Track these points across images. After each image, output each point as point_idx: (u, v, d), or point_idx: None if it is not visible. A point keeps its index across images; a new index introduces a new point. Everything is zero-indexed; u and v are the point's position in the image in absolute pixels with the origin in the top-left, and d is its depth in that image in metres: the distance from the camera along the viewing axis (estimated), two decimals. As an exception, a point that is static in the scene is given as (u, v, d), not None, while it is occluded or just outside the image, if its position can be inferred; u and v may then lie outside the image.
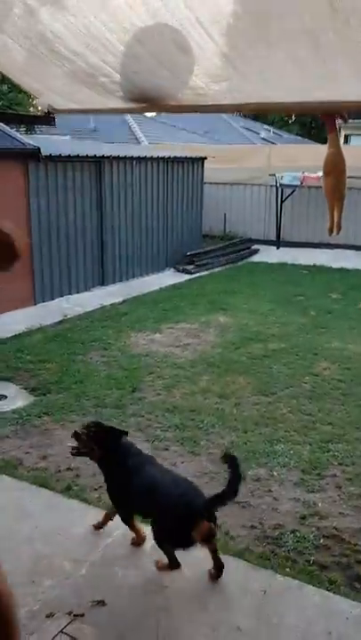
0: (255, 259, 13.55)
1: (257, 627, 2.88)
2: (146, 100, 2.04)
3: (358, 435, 4.95)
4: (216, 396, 5.74)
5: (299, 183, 13.77)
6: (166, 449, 4.71)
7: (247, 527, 3.75)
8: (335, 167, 2.41)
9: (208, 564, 3.18)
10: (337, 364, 6.59)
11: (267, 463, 4.51)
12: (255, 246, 14.39)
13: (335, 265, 12.43)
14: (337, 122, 2.28)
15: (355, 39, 1.57)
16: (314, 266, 12.47)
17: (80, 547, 3.46)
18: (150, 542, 3.46)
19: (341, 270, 12.08)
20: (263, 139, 25.64)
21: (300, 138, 31.26)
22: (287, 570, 3.31)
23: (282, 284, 10.84)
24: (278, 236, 14.68)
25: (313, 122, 35.92)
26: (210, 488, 4.13)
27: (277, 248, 14.43)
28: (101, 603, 3.03)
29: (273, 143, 23.75)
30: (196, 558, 3.22)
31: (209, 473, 4.36)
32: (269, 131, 29.03)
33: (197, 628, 2.88)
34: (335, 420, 5.23)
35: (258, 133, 26.94)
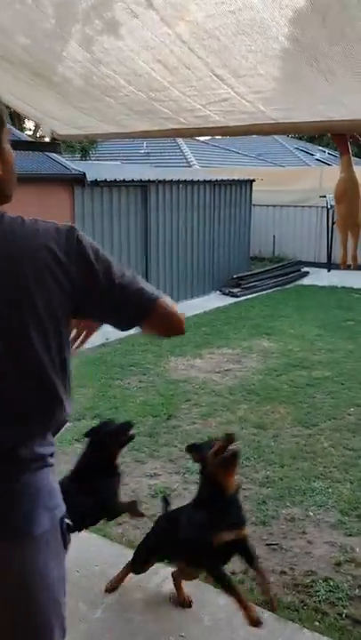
0: (305, 282, 13.23)
1: None
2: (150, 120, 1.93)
3: None
4: (253, 426, 5.50)
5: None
6: (197, 482, 4.50)
7: (276, 572, 3.49)
8: (346, 193, 2.22)
9: (226, 611, 2.96)
10: (385, 394, 6.22)
11: (303, 502, 4.23)
12: (305, 269, 14.07)
13: (389, 289, 11.95)
14: (349, 143, 2.10)
15: (355, 54, 1.40)
16: (366, 289, 12.03)
17: (97, 586, 3.30)
18: (168, 587, 3.28)
19: (396, 294, 11.59)
20: (318, 160, 25.29)
21: (357, 159, 30.65)
22: (316, 624, 3.04)
23: (331, 308, 10.48)
24: (329, 258, 14.31)
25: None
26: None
27: (328, 271, 14.04)
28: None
29: (328, 164, 23.39)
30: (214, 606, 3.01)
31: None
32: (324, 152, 28.62)
33: None
34: (380, 456, 4.89)
35: (312, 155, 26.61)
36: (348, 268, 2.36)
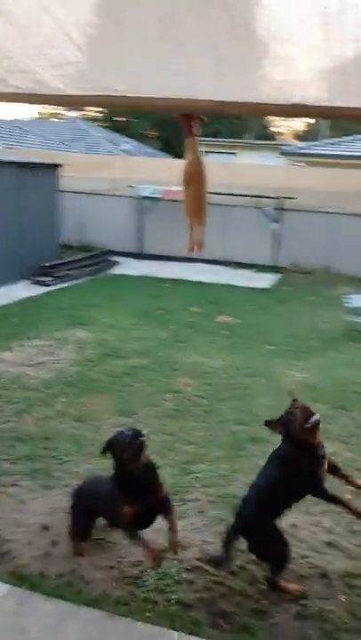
0: (116, 271, 13.32)
1: None
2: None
3: (219, 453, 4.84)
4: (73, 419, 5.34)
5: (159, 196, 13.80)
6: (15, 484, 4.22)
7: (104, 568, 3.41)
8: (193, 177, 2.19)
9: (55, 618, 2.80)
10: (197, 379, 6.50)
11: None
12: (115, 258, 14.16)
13: (194, 278, 12.57)
14: (194, 125, 2.06)
15: (213, 29, 1.35)
16: (174, 279, 12.51)
17: None
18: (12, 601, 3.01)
19: (200, 284, 12.23)
20: (123, 150, 25.58)
21: (159, 152, 31.71)
22: (147, 614, 3.03)
23: (143, 297, 10.68)
24: (139, 248, 14.60)
25: (173, 137, 36.71)
26: (64, 525, 3.76)
27: (138, 261, 14.33)
28: None
29: (133, 155, 23.79)
30: (44, 614, 2.83)
31: (63, 509, 3.95)
32: (129, 143, 29.06)
33: None
34: (196, 439, 5.08)
35: (118, 145, 26.84)
36: (190, 251, 2.31)
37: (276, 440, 5.09)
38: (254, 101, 1.43)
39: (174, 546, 3.14)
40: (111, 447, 3.06)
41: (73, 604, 3.06)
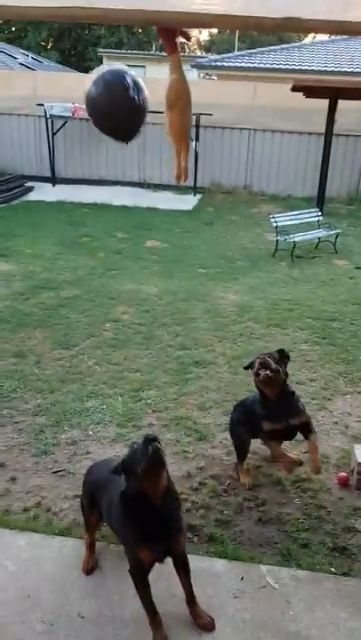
0: (31, 197, 12.68)
1: (98, 609, 2.67)
2: None
3: (167, 378, 4.93)
4: (12, 355, 5.21)
5: (70, 115, 13.04)
6: None
7: (69, 498, 3.47)
8: (180, 99, 2.02)
9: (30, 551, 2.85)
10: (134, 307, 6.49)
11: (80, 423, 4.23)
12: (29, 183, 13.44)
13: (116, 203, 12.24)
14: (178, 40, 1.90)
15: None
16: (95, 204, 12.12)
17: None
18: (-36, 544, 2.99)
19: (123, 208, 11.95)
20: (22, 64, 23.63)
21: (60, 65, 29.62)
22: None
23: (64, 224, 10.31)
24: (53, 172, 13.91)
25: (73, 49, 34.26)
26: (21, 461, 3.76)
27: (53, 185, 13.70)
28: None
29: (33, 69, 22.07)
30: (18, 548, 2.87)
31: (17, 445, 3.94)
32: (27, 56, 26.86)
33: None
34: (142, 366, 5.14)
35: (15, 58, 24.73)
36: (178, 180, 2.19)
37: (219, 362, 5.27)
38: (248, 14, 1.34)
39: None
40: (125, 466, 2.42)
41: (45, 535, 3.12)
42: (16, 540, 3.10)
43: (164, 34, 1.91)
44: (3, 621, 2.59)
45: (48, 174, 13.92)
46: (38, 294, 6.73)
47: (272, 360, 3.25)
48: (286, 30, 1.56)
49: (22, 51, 28.22)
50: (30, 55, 27.57)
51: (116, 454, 3.69)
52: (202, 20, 1.43)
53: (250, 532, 3.25)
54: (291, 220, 9.25)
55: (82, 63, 32.77)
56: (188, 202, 12.65)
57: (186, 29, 1.91)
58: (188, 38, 1.95)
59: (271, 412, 3.33)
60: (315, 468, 3.35)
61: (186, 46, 39.57)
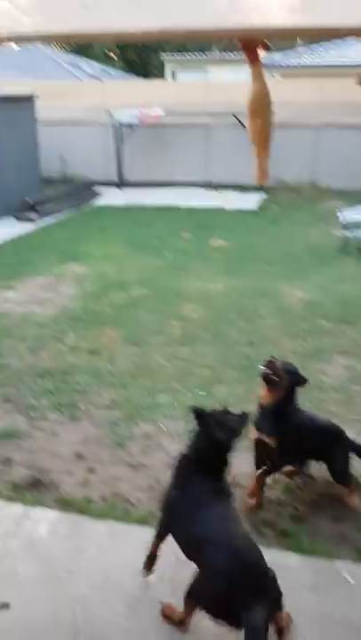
0: (100, 202, 13.01)
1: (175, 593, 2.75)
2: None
3: (235, 375, 4.97)
4: (87, 352, 5.40)
5: (136, 120, 13.32)
6: (44, 418, 4.32)
7: (145, 489, 3.58)
8: (262, 106, 2.10)
9: (109, 537, 2.96)
10: (201, 304, 6.56)
11: (152, 417, 4.34)
12: (98, 189, 13.80)
13: (182, 204, 12.35)
14: (260, 52, 1.96)
15: None
16: (161, 206, 12.28)
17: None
18: (44, 528, 3.16)
19: (188, 209, 12.04)
20: (91, 75, 24.33)
21: (127, 74, 30.26)
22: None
23: (132, 226, 10.54)
24: (120, 177, 14.22)
25: (138, 58, 34.89)
26: (98, 453, 3.90)
27: (121, 189, 14.00)
28: (6, 605, 2.69)
29: (100, 79, 22.66)
30: (97, 534, 2.99)
31: (94, 438, 4.09)
32: (95, 67, 27.62)
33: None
34: (210, 362, 5.20)
35: (84, 70, 25.49)
36: (260, 182, 2.28)
37: (288, 359, 5.24)
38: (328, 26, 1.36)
39: None
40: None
41: (123, 523, 3.23)
42: (96, 527, 3.23)
43: (246, 46, 1.98)
44: (87, 601, 2.71)
45: (116, 179, 14.24)
46: (109, 294, 6.92)
47: (282, 366, 3.24)
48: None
49: (90, 61, 29.06)
50: (98, 66, 28.34)
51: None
52: (285, 32, 1.46)
53: (325, 527, 3.24)
54: (359, 214, 9.04)
55: (146, 72, 33.37)
56: (253, 201, 12.60)
57: (266, 40, 1.96)
58: (268, 49, 2.00)
59: (261, 419, 3.30)
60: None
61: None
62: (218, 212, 11.72)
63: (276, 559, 2.94)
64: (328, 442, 3.43)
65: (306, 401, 4.53)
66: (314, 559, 2.97)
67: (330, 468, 3.43)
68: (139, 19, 1.49)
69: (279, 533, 3.18)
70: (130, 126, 13.58)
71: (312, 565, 2.93)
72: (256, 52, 2.02)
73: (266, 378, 3.26)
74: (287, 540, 3.12)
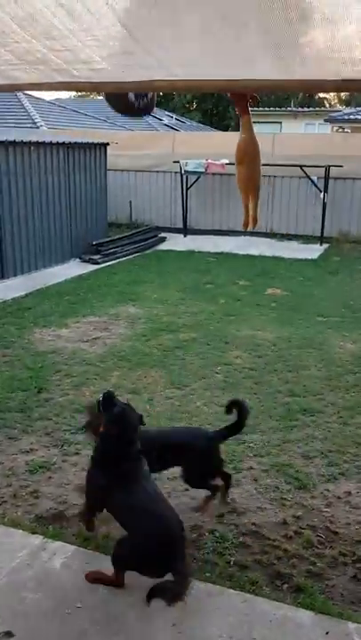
0: (163, 247, 13.39)
1: (179, 641, 2.72)
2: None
3: (272, 424, 4.93)
4: (128, 391, 5.51)
5: (203, 170, 13.74)
6: (77, 453, 4.44)
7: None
8: (247, 155, 2.23)
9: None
10: (248, 352, 6.57)
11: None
12: (162, 234, 14.23)
13: (241, 252, 12.52)
14: (248, 104, 2.10)
15: (271, 11, 1.39)
16: (221, 253, 12.50)
17: (-17, 572, 3.14)
18: (59, 561, 3.22)
19: (248, 257, 12.18)
20: (166, 125, 25.45)
21: (202, 125, 31.42)
22: (207, 574, 3.18)
23: (190, 272, 10.76)
24: (185, 223, 14.62)
25: (214, 109, 36.20)
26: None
27: (185, 236, 14.37)
28: (9, 634, 2.76)
29: (176, 130, 23.66)
30: (110, 573, 3.02)
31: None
32: (172, 117, 28.88)
33: (115, 651, 2.68)
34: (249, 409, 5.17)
35: (160, 120, 26.70)
36: (245, 227, 2.38)
37: (328, 412, 5.16)
38: (309, 78, 1.47)
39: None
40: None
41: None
42: (109, 564, 3.25)
43: (237, 98, 2.11)
44: (88, 639, 2.73)
45: (180, 225, 14.66)
46: (158, 336, 7.07)
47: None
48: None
49: (168, 113, 30.45)
50: (174, 116, 29.64)
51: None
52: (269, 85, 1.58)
53: (342, 587, 3.12)
54: None
55: (222, 122, 34.50)
56: (314, 251, 12.58)
57: (255, 94, 2.09)
58: (257, 101, 2.12)
59: None
60: None
61: (325, 101, 40.07)
62: (277, 261, 11.77)
63: (287, 614, 2.88)
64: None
65: (342, 455, 4.45)
66: (326, 618, 2.86)
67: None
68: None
69: (293, 588, 3.09)
70: (196, 174, 14.01)
71: (324, 625, 2.83)
72: (246, 103, 2.14)
73: None
74: (300, 597, 3.02)
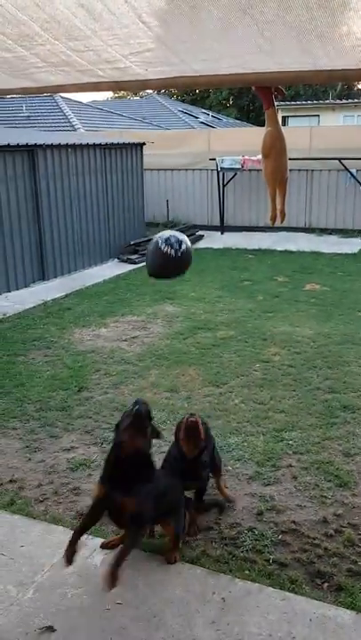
0: (200, 245, 13.37)
1: (217, 638, 2.72)
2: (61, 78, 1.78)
3: (312, 421, 4.86)
4: (166, 390, 5.54)
5: (239, 167, 13.65)
6: (116, 451, 4.47)
7: (203, 529, 3.58)
8: (273, 148, 2.20)
9: (160, 572, 3.00)
10: (286, 348, 6.50)
11: (222, 457, 4.33)
12: (200, 232, 14.22)
13: (279, 248, 12.40)
14: (274, 97, 2.06)
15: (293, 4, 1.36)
16: (259, 250, 12.40)
17: (25, 567, 3.21)
18: (99, 557, 3.26)
19: (286, 253, 12.05)
20: (202, 122, 25.42)
21: (238, 121, 31.23)
22: (246, 572, 3.17)
23: (228, 269, 10.71)
24: (222, 221, 14.57)
25: (251, 104, 35.95)
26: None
27: (222, 233, 14.32)
28: (50, 629, 2.81)
29: (212, 127, 23.59)
30: (150, 570, 3.04)
31: (161, 473, 4.16)
32: (208, 114, 28.82)
33: (155, 647, 2.69)
34: (287, 407, 5.12)
35: (197, 117, 26.69)
36: (272, 222, 2.36)
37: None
38: (336, 68, 1.44)
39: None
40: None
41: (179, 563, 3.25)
42: (150, 562, 3.28)
43: (263, 91, 2.07)
44: (126, 635, 2.75)
45: (217, 223, 14.62)
46: (196, 334, 7.07)
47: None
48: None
49: (204, 110, 30.41)
50: (210, 114, 29.58)
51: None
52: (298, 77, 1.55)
53: (385, 587, 3.05)
54: None
55: (259, 118, 34.22)
56: (354, 245, 12.34)
57: (280, 87, 2.05)
58: (283, 94, 2.08)
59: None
60: None
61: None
62: (316, 256, 11.60)
63: (327, 613, 2.84)
64: None
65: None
66: (368, 619, 2.81)
67: None
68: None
69: (334, 587, 3.04)
70: (233, 171, 13.93)
71: (365, 626, 2.77)
72: (271, 96, 2.10)
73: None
74: (341, 596, 2.97)
